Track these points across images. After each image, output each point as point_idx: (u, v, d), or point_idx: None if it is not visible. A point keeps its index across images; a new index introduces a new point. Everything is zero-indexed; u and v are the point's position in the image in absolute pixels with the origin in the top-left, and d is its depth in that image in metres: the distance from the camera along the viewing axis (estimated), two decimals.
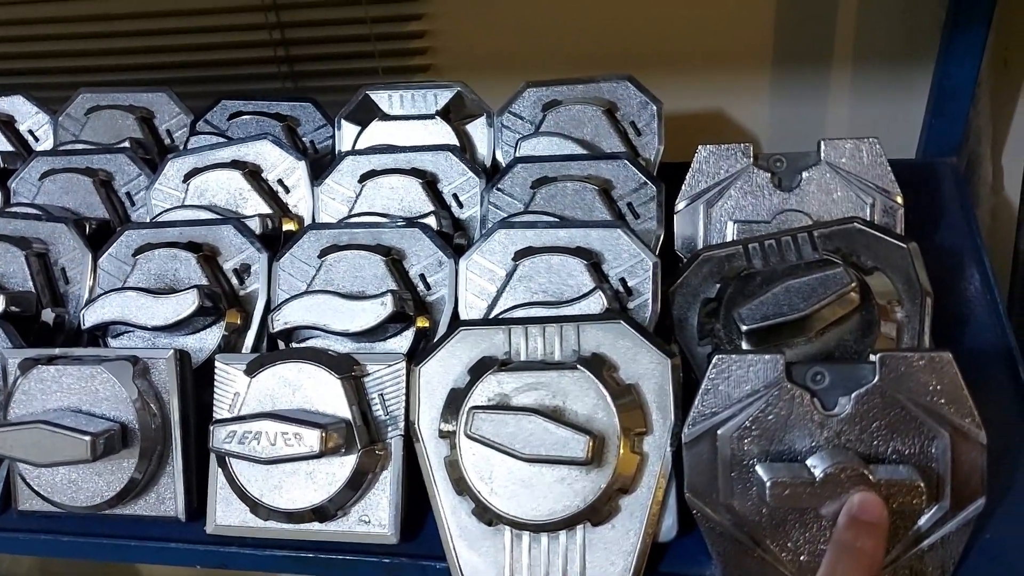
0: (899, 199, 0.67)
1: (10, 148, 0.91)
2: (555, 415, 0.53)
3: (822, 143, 0.68)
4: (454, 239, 0.72)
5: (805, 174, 0.68)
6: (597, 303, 0.60)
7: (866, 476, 0.48)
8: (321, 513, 0.58)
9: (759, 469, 0.50)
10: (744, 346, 0.59)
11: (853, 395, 0.51)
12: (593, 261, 0.63)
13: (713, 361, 0.52)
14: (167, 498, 0.62)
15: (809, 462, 0.50)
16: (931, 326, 0.59)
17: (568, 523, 0.54)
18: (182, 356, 0.62)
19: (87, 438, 0.57)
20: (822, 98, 0.97)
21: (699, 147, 0.70)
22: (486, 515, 0.55)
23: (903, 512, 0.49)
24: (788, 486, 0.48)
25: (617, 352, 0.56)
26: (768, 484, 0.49)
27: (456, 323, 0.60)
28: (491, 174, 0.76)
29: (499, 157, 0.81)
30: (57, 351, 0.64)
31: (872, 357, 0.51)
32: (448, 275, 0.67)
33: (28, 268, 0.73)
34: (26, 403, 0.62)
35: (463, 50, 1.02)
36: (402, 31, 1.03)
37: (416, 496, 0.59)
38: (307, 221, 0.77)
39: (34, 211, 0.78)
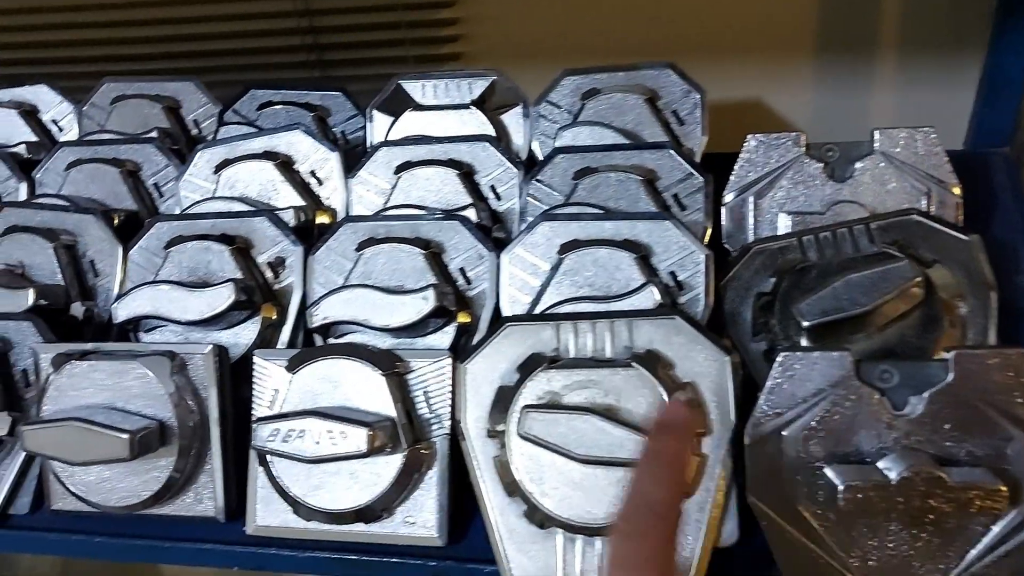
0: (956, 190, 0.65)
1: (34, 138, 0.89)
2: (609, 414, 0.51)
3: (876, 132, 0.66)
4: (493, 232, 0.70)
5: (859, 164, 0.66)
6: (649, 298, 0.58)
7: (943, 479, 0.46)
8: (365, 514, 0.56)
9: (829, 472, 0.48)
10: (803, 342, 0.57)
11: (925, 394, 0.48)
12: (642, 254, 0.61)
13: (778, 359, 0.50)
14: (205, 498, 0.60)
15: (881, 464, 0.48)
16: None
17: None
18: (220, 351, 0.60)
19: (126, 436, 0.55)
20: (866, 87, 0.94)
21: (748, 136, 0.68)
22: (537, 517, 0.53)
23: (980, 517, 0.47)
24: (862, 490, 0.46)
25: (672, 349, 0.54)
26: (841, 488, 0.47)
27: (502, 319, 0.58)
28: (528, 165, 0.74)
29: (535, 148, 0.79)
30: (90, 346, 0.62)
31: (944, 355, 0.49)
32: (489, 269, 0.65)
33: (57, 260, 0.71)
34: (59, 399, 0.60)
35: (496, 38, 1.00)
36: (434, 18, 1.00)
37: (462, 497, 0.57)
38: (340, 214, 0.75)
39: (61, 202, 0.76)
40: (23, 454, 0.64)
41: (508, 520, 0.55)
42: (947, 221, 0.60)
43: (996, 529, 0.48)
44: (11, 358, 0.66)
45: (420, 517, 0.57)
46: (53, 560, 1.28)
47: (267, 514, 0.59)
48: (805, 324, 0.55)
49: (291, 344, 0.67)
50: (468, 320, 0.64)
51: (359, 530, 0.57)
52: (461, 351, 0.61)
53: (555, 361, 0.54)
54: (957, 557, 0.49)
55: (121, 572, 1.38)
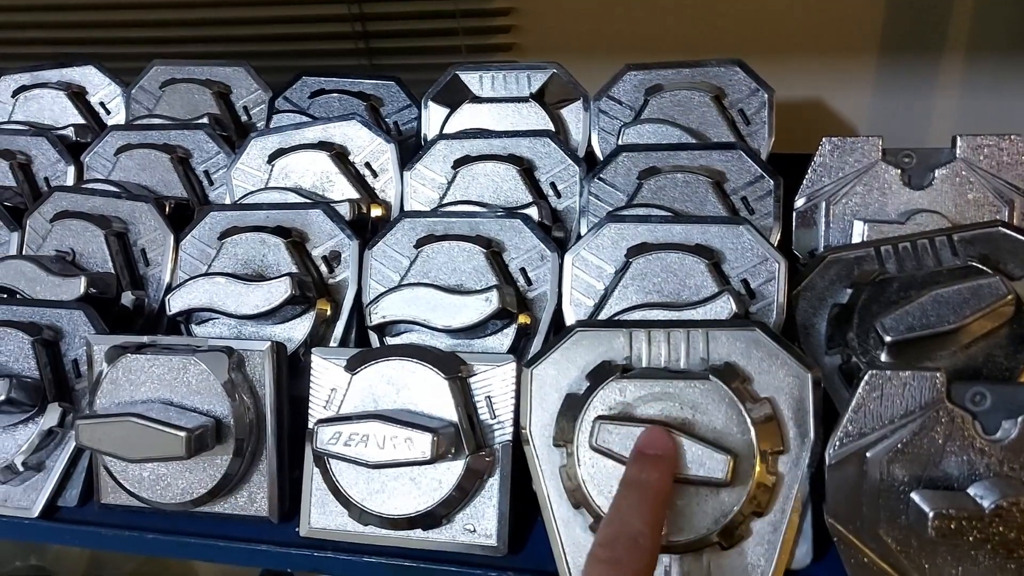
0: None
1: (81, 121, 0.88)
2: (685, 429, 0.50)
3: (958, 139, 0.63)
4: (552, 231, 0.68)
5: (938, 172, 0.63)
6: (725, 307, 0.55)
7: None
8: (425, 520, 0.55)
9: (916, 497, 0.46)
10: (883, 358, 0.54)
11: (1020, 419, 0.46)
12: (714, 260, 0.59)
13: (865, 378, 0.48)
14: (259, 497, 0.59)
15: (972, 491, 0.46)
16: None
17: (695, 546, 0.50)
18: (279, 349, 0.59)
19: (183, 434, 0.54)
20: (930, 90, 0.91)
21: (823, 140, 0.65)
22: None
23: None
24: (954, 519, 0.44)
25: (751, 362, 0.52)
26: (931, 515, 0.44)
27: (571, 325, 0.56)
28: (587, 162, 0.72)
29: (595, 144, 0.77)
30: (146, 339, 0.61)
31: None
32: (551, 270, 0.63)
33: (108, 248, 0.70)
34: (114, 393, 0.59)
35: (549, 29, 0.98)
36: (487, 7, 0.98)
37: (523, 505, 0.56)
38: (394, 207, 0.73)
39: (113, 188, 0.75)
40: (72, 446, 0.63)
41: (573, 532, 0.53)
42: None
43: None
44: (62, 347, 0.64)
45: (480, 525, 0.56)
46: (79, 552, 1.28)
47: (322, 516, 0.58)
48: (888, 339, 0.53)
49: (344, 341, 0.65)
50: (528, 322, 0.63)
51: (417, 536, 0.56)
52: (521, 353, 0.60)
53: (627, 370, 0.52)
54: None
55: (146, 559, 1.38)
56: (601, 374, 0.53)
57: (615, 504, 0.46)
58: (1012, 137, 0.63)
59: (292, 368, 0.62)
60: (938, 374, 0.47)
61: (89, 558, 1.31)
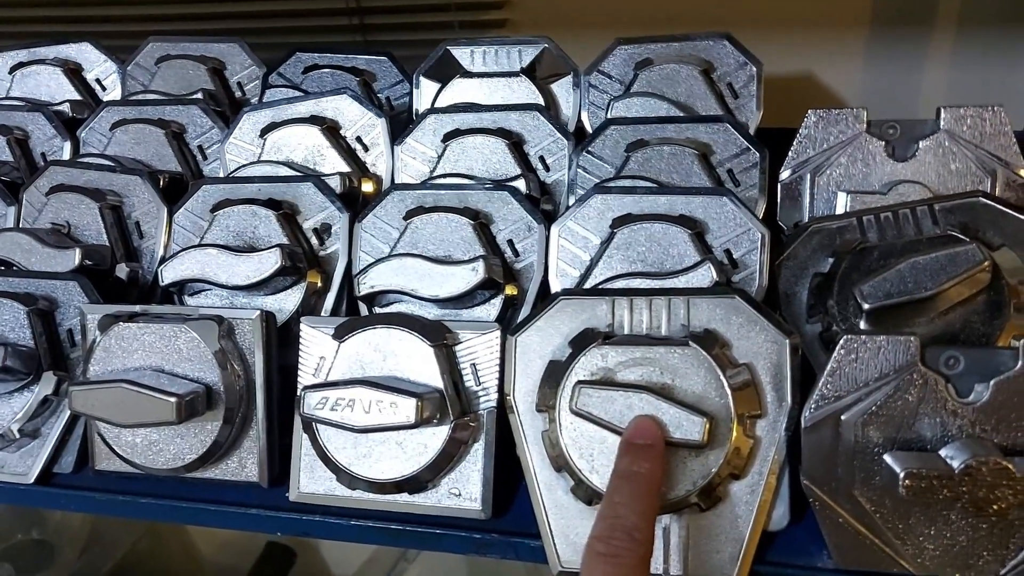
0: (1023, 172, 0.62)
1: (78, 97, 0.89)
2: (665, 393, 0.50)
3: (942, 110, 0.64)
4: (541, 203, 0.69)
5: (922, 143, 0.64)
6: (706, 276, 0.56)
7: (1010, 470, 0.44)
8: (410, 484, 0.56)
9: (889, 459, 0.47)
10: (862, 325, 0.55)
11: (991, 382, 0.47)
12: (697, 231, 0.59)
13: (841, 342, 0.49)
14: (249, 463, 0.60)
15: (944, 452, 0.46)
16: None
17: (674, 507, 0.51)
18: (268, 317, 0.60)
19: (173, 400, 0.55)
20: (919, 64, 0.91)
21: (808, 112, 0.66)
22: (585, 494, 0.53)
23: None
24: (924, 478, 0.45)
25: (730, 329, 0.52)
26: (902, 475, 0.45)
27: (555, 293, 0.57)
28: (577, 136, 0.73)
29: (585, 118, 0.77)
30: (138, 308, 0.62)
31: (1014, 343, 0.47)
32: (538, 241, 0.64)
33: (103, 221, 0.71)
34: (106, 360, 0.60)
35: (542, 4, 0.98)
36: None
37: (507, 470, 0.57)
38: (385, 181, 0.74)
39: (108, 162, 0.75)
40: (68, 413, 0.64)
41: (555, 495, 0.54)
42: (1014, 204, 0.58)
43: None
44: (57, 317, 0.66)
45: (465, 489, 0.57)
46: (83, 517, 1.30)
47: (310, 481, 0.59)
48: (867, 306, 0.54)
49: (335, 311, 0.66)
50: (515, 292, 0.63)
51: (403, 500, 0.57)
52: (507, 323, 0.61)
53: (609, 337, 0.53)
54: (1016, 549, 0.48)
55: (148, 529, 1.40)
56: (583, 341, 0.54)
57: (609, 497, 0.47)
58: (994, 108, 0.63)
59: (284, 338, 0.63)
60: (912, 338, 0.48)
61: (90, 531, 1.33)
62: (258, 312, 0.59)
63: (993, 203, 0.58)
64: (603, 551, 0.44)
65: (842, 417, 0.49)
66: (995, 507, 0.45)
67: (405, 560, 1.34)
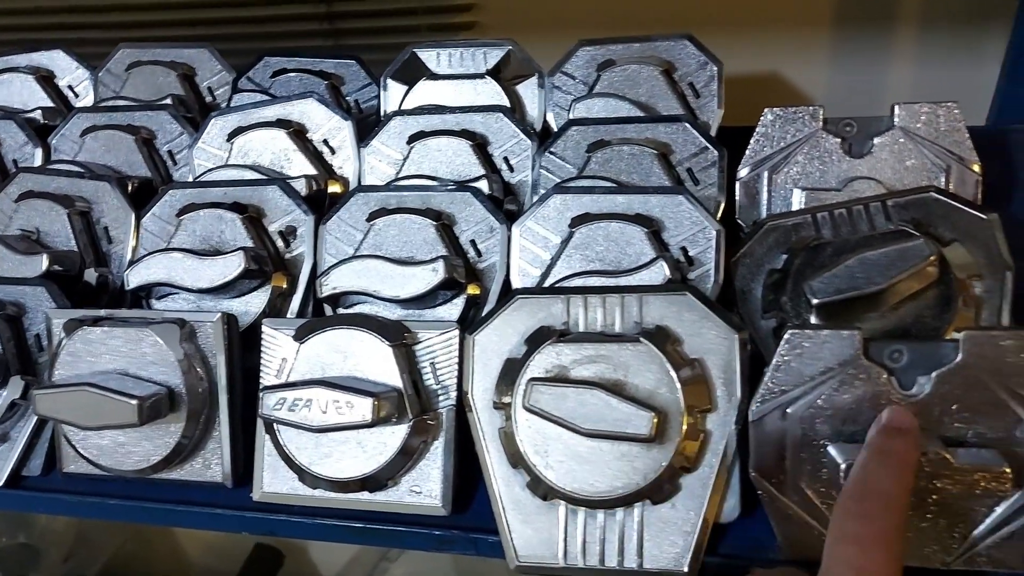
0: (976, 167, 0.63)
1: (50, 104, 0.90)
2: (616, 389, 0.51)
3: (896, 107, 0.65)
4: (504, 204, 0.70)
5: (877, 140, 0.65)
6: (659, 273, 0.57)
7: (948, 460, 0.45)
8: (371, 483, 0.57)
9: (833, 450, 0.48)
10: (813, 320, 0.56)
11: (933, 375, 0.48)
12: (653, 229, 0.60)
13: (785, 336, 0.50)
14: (213, 463, 0.61)
15: None
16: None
17: (626, 500, 0.52)
18: (229, 320, 0.61)
19: (135, 402, 0.56)
20: (884, 61, 0.92)
21: (765, 110, 0.67)
22: (541, 489, 0.54)
23: (985, 498, 0.47)
24: None
25: (682, 325, 0.53)
26: (843, 466, 0.46)
27: (511, 291, 0.58)
28: (542, 136, 0.74)
29: (550, 119, 0.78)
30: (103, 312, 0.62)
31: (955, 335, 0.48)
32: (500, 241, 0.65)
33: (71, 227, 0.72)
34: (72, 364, 0.61)
35: (510, 7, 0.99)
36: None
37: (467, 467, 0.58)
38: (352, 183, 0.75)
39: (77, 168, 0.76)
40: (36, 418, 0.65)
41: (512, 491, 0.55)
42: (965, 199, 0.59)
43: (1000, 510, 0.48)
44: (24, 323, 0.66)
45: (425, 487, 0.57)
46: (67, 522, 1.31)
47: (274, 481, 0.59)
48: (816, 302, 0.54)
49: (301, 313, 0.67)
50: (478, 292, 0.64)
51: (365, 499, 0.58)
52: (470, 323, 0.61)
53: (564, 335, 0.54)
54: (961, 537, 0.49)
55: (134, 533, 1.41)
56: (538, 339, 0.54)
57: (862, 467, 0.45)
58: (948, 104, 0.64)
59: (251, 340, 0.63)
60: (855, 333, 0.49)
61: (76, 534, 1.34)
62: (219, 314, 0.60)
63: (945, 198, 0.59)
64: (855, 510, 0.42)
65: (788, 410, 0.50)
66: (935, 497, 0.46)
67: (387, 560, 1.35)
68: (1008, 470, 0.45)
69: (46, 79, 0.91)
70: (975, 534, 0.48)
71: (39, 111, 0.87)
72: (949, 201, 0.58)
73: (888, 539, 0.41)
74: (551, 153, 0.70)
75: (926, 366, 0.49)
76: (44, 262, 0.68)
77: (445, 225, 0.65)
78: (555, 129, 0.77)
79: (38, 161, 0.82)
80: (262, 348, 0.60)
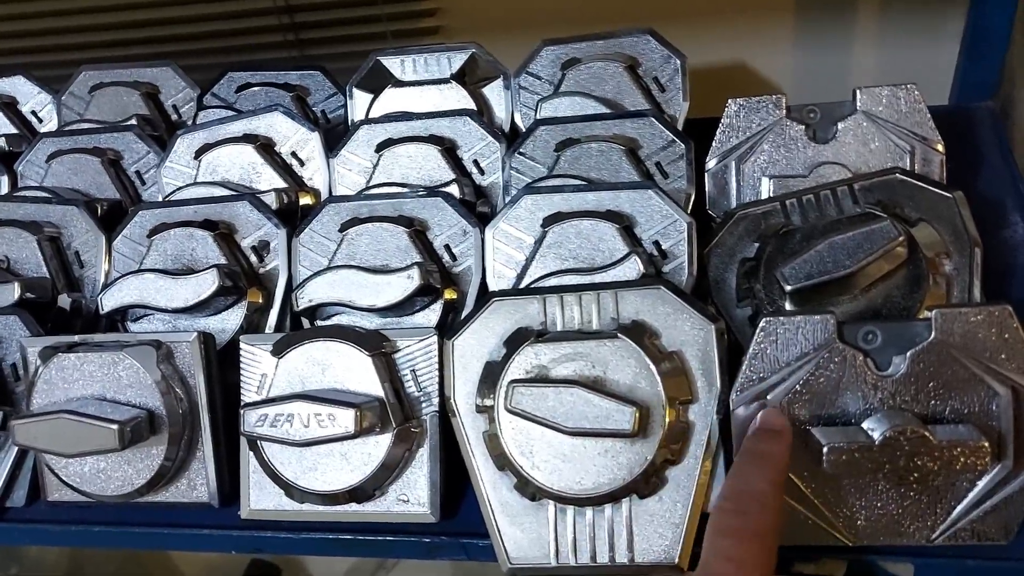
0: (939, 147, 0.64)
1: (14, 131, 0.89)
2: (596, 386, 0.51)
3: (857, 91, 0.65)
4: (477, 207, 0.70)
5: (841, 124, 0.65)
6: (633, 268, 0.57)
7: (927, 438, 0.46)
8: (358, 494, 0.57)
9: (814, 434, 0.48)
10: (787, 306, 0.57)
11: (908, 354, 0.49)
12: (625, 224, 0.60)
13: (760, 325, 0.50)
14: (199, 484, 0.61)
15: (865, 425, 0.48)
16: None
17: (614, 496, 0.52)
18: (206, 338, 0.60)
19: (115, 426, 0.55)
20: (847, 45, 0.93)
21: (729, 101, 0.67)
22: (528, 490, 0.54)
23: (966, 473, 0.48)
24: (846, 451, 0.46)
25: (658, 319, 0.54)
26: (825, 450, 0.47)
27: (488, 294, 0.58)
28: (511, 138, 0.74)
29: (518, 120, 0.78)
30: (77, 338, 0.62)
31: (927, 313, 0.49)
32: (474, 245, 0.65)
33: (41, 253, 0.71)
34: (48, 392, 0.60)
35: (473, 10, 0.99)
36: None
37: (454, 473, 0.58)
38: (323, 194, 0.75)
39: (44, 194, 0.75)
40: (16, 448, 0.64)
41: (500, 494, 0.55)
42: (930, 179, 0.60)
43: (981, 484, 0.48)
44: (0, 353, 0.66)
45: (413, 495, 0.57)
46: (60, 550, 1.29)
47: (260, 498, 0.59)
48: (788, 288, 0.55)
49: (279, 328, 0.67)
50: (455, 297, 0.64)
51: (353, 510, 0.58)
52: (449, 328, 0.61)
53: (542, 335, 0.54)
54: (944, 513, 0.49)
55: (129, 557, 1.39)
56: (517, 340, 0.55)
57: (736, 469, 0.48)
58: (908, 86, 0.65)
59: (229, 358, 0.63)
60: (829, 316, 0.50)
61: (68, 564, 1.33)
62: (195, 334, 0.60)
63: (910, 179, 0.59)
64: (729, 507, 0.45)
65: (768, 397, 0.50)
66: (916, 475, 0.47)
67: (383, 569, 1.35)
68: (986, 444, 0.46)
69: (8, 106, 0.90)
70: (957, 509, 0.49)
71: (3, 138, 0.85)
72: (914, 182, 0.59)
73: (762, 533, 0.44)
74: (520, 154, 0.70)
75: (900, 346, 0.49)
76: (16, 290, 0.67)
77: (418, 231, 0.65)
78: (523, 130, 0.77)
79: (5, 189, 0.81)
80: (241, 365, 0.60)
